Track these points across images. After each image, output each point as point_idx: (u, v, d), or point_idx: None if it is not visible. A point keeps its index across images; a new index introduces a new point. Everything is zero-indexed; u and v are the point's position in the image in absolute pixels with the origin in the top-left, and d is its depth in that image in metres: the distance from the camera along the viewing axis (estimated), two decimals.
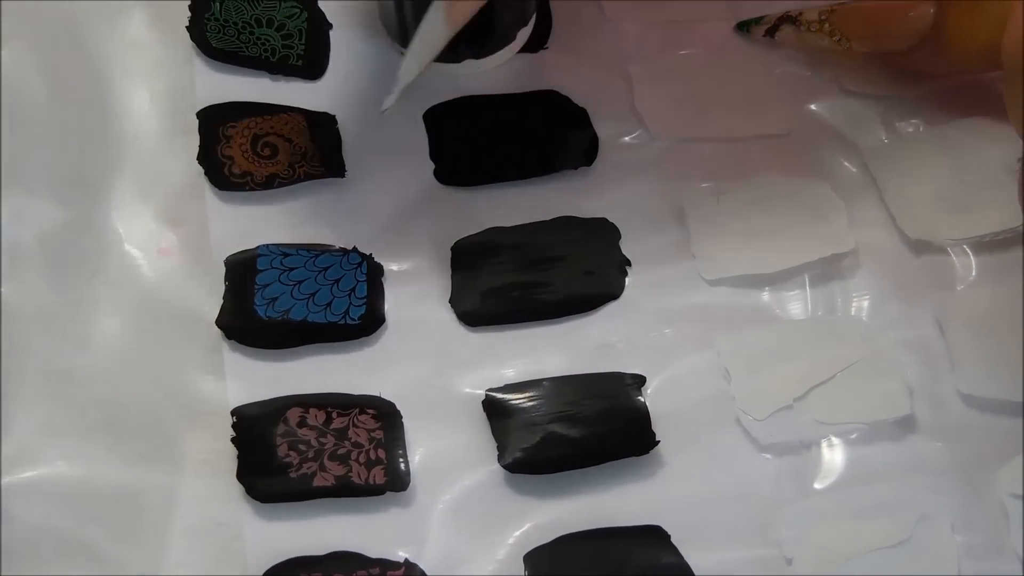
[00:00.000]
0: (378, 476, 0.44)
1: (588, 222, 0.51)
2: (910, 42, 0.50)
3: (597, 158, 0.52)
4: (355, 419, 0.46)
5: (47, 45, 0.52)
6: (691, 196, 0.52)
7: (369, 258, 0.49)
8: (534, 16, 0.55)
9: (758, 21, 0.55)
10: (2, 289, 0.47)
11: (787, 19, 0.54)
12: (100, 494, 0.44)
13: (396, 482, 0.45)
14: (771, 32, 0.54)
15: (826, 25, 0.52)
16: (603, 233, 0.51)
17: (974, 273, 0.51)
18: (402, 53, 0.47)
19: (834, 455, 0.47)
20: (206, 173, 0.50)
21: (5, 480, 0.44)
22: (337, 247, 0.49)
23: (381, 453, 0.45)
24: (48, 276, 0.48)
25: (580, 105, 0.54)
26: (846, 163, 0.53)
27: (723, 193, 0.52)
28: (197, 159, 0.50)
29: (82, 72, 0.52)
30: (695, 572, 0.44)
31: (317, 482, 0.44)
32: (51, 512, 0.44)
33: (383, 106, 0.46)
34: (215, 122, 0.51)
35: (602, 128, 0.53)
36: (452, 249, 0.50)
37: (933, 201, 0.52)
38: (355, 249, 0.49)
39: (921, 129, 0.54)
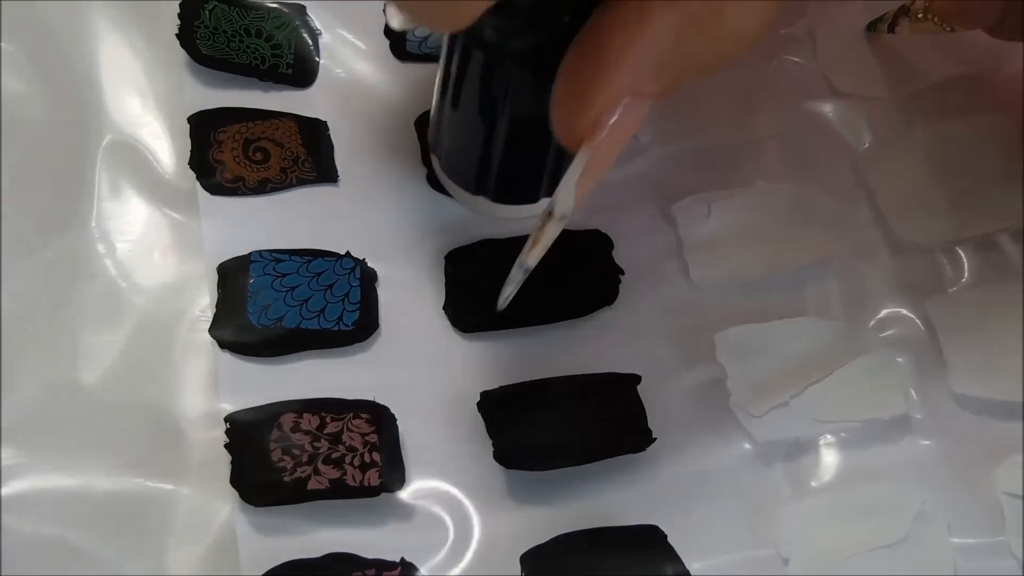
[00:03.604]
0: (372, 478, 0.44)
1: (580, 234, 0.51)
2: (997, 16, 0.50)
3: None
4: (349, 423, 0.45)
5: (40, 51, 0.53)
6: (683, 201, 0.52)
7: (362, 263, 0.49)
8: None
9: (882, 19, 0.55)
10: (1, 295, 0.47)
11: (902, 12, 0.54)
12: (96, 500, 0.44)
13: (391, 483, 0.44)
14: (891, 28, 0.55)
15: (930, 15, 0.52)
16: (595, 244, 0.51)
17: (966, 274, 0.52)
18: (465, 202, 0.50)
19: (830, 454, 0.47)
20: (198, 178, 0.50)
21: (4, 490, 0.44)
22: (330, 252, 0.49)
23: (375, 456, 0.45)
24: (43, 283, 0.48)
25: None
26: (838, 164, 0.53)
27: (715, 199, 0.52)
28: (189, 164, 0.50)
29: (74, 78, 0.52)
30: (691, 572, 0.44)
31: (311, 485, 0.44)
32: (49, 519, 0.44)
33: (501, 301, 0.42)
34: (206, 127, 0.51)
35: None
36: (446, 258, 0.50)
37: (925, 202, 0.52)
38: (348, 254, 0.49)
39: (913, 129, 0.54)
